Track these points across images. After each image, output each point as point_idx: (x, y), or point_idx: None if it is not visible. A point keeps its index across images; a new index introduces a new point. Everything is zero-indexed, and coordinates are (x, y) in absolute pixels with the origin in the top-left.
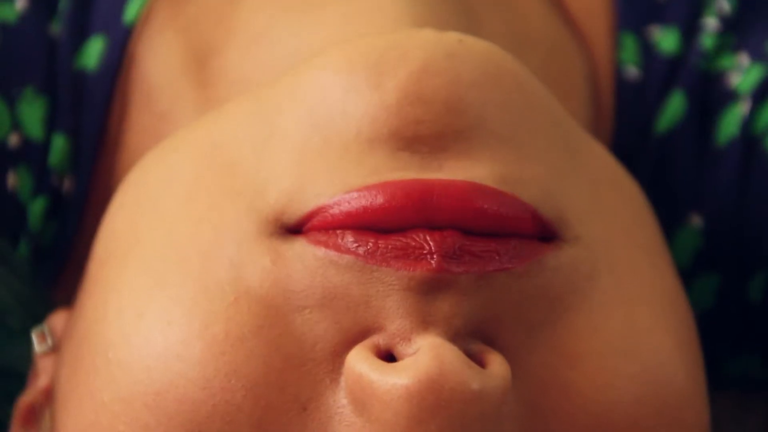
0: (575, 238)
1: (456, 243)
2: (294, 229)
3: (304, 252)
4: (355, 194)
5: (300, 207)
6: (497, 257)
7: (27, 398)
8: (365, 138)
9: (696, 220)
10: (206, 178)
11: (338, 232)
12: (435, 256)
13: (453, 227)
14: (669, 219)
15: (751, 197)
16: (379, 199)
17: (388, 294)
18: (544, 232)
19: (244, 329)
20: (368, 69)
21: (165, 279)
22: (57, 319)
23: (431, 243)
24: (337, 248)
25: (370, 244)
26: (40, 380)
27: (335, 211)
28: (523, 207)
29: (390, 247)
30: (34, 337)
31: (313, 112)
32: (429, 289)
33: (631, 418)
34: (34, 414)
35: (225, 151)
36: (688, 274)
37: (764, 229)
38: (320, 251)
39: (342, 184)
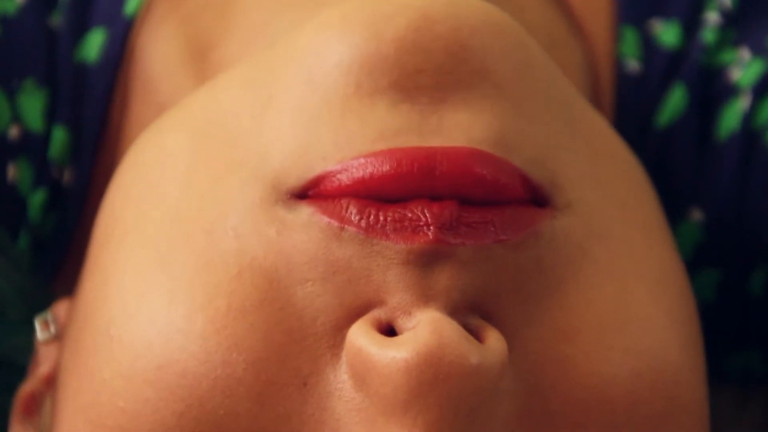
0: (567, 204)
1: (453, 214)
2: (300, 193)
3: (309, 222)
4: (362, 160)
5: (306, 171)
6: (493, 228)
7: (28, 387)
8: (366, 92)
9: (696, 215)
10: (206, 152)
11: (343, 202)
12: (432, 228)
13: (452, 196)
14: (669, 213)
15: (751, 192)
16: (386, 167)
17: (389, 267)
18: (536, 197)
19: (246, 302)
20: (366, 21)
21: (169, 256)
22: (60, 308)
23: (428, 215)
24: (341, 220)
25: (372, 216)
26: (42, 368)
27: (343, 177)
28: (515, 172)
29: (389, 219)
30: (38, 325)
31: (310, 71)
32: (427, 261)
33: (628, 392)
34: (34, 402)
35: (223, 122)
36: (689, 268)
37: (765, 224)
38: (324, 222)
39: (348, 147)
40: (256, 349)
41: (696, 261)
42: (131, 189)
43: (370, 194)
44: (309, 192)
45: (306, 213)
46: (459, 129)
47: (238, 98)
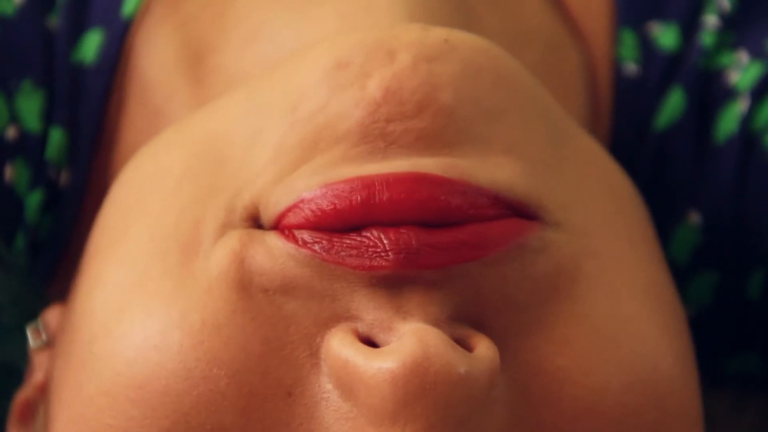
0: (556, 223)
1: (412, 238)
2: (266, 228)
3: (269, 239)
4: (302, 196)
5: (265, 212)
6: (462, 248)
7: (23, 394)
8: (336, 134)
9: (694, 217)
10: (195, 173)
11: (296, 233)
12: (390, 254)
13: (411, 222)
14: (667, 216)
15: (749, 194)
16: (324, 204)
17: (354, 290)
18: (519, 212)
19: (218, 316)
20: (354, 70)
21: (147, 273)
22: (51, 315)
23: (385, 241)
24: (295, 242)
25: (325, 241)
26: (36, 376)
27: (291, 220)
28: (479, 190)
29: (345, 245)
30: (29, 333)
31: (296, 109)
32: (393, 284)
33: (619, 404)
34: (30, 410)
35: (218, 147)
36: (687, 271)
37: (763, 227)
38: (281, 242)
39: (291, 189)
40: (235, 361)
41: (694, 264)
42: (122, 203)
43: (326, 227)
44: (274, 227)
45: (268, 236)
46: (407, 161)
47: (234, 125)
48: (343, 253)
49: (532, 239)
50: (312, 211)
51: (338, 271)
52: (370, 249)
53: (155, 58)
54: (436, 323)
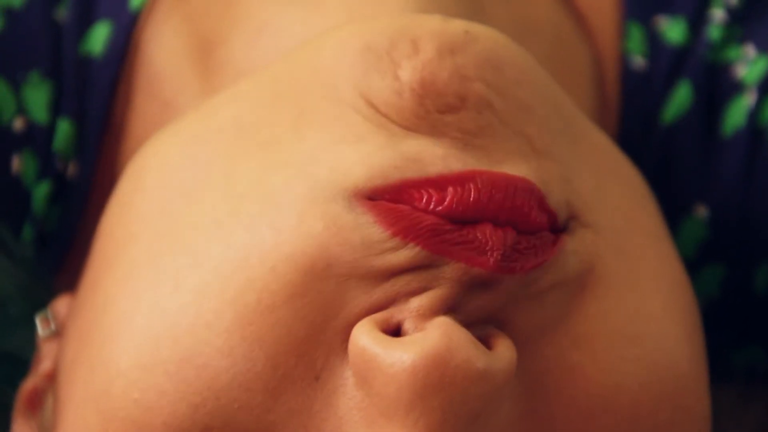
0: (586, 225)
1: (511, 241)
2: (368, 194)
3: (366, 225)
4: (444, 174)
5: (375, 175)
6: (534, 255)
7: (30, 383)
8: (404, 119)
9: (701, 211)
10: (241, 160)
11: (414, 216)
12: (494, 253)
13: (509, 223)
14: (674, 209)
15: (756, 188)
16: (468, 191)
17: (438, 285)
18: (558, 225)
19: (276, 298)
20: (385, 55)
21: (206, 253)
22: (60, 304)
23: (494, 239)
24: (406, 234)
25: (446, 233)
26: (43, 365)
27: (422, 193)
28: (544, 201)
29: (455, 240)
30: (38, 322)
31: (336, 92)
32: (477, 285)
33: (634, 402)
34: (37, 398)
35: (256, 131)
36: (694, 264)
37: None
38: (382, 233)
39: (420, 163)
40: (278, 343)
41: (701, 257)
42: (159, 193)
43: (445, 213)
44: (383, 195)
45: (365, 217)
46: (511, 163)
47: (269, 110)
48: (455, 246)
49: (567, 243)
50: (450, 195)
51: (437, 262)
52: (480, 244)
53: (163, 50)
54: (467, 321)
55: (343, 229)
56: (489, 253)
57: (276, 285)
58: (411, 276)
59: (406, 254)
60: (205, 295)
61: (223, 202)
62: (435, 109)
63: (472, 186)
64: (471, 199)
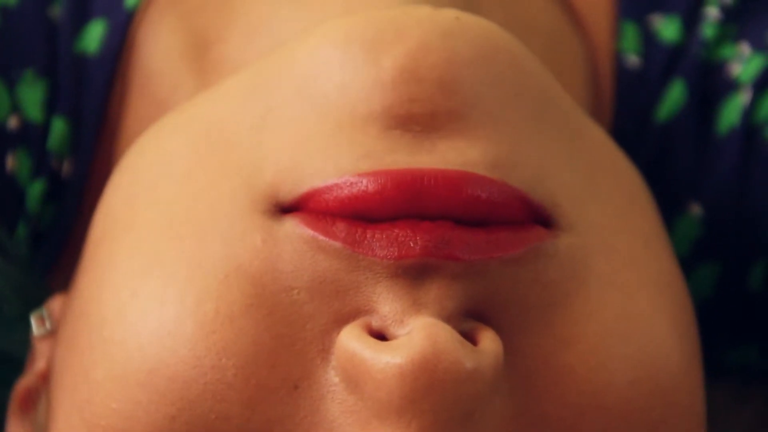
0: (570, 225)
1: (445, 235)
2: (288, 207)
3: (293, 233)
4: (349, 179)
5: (294, 187)
6: (487, 245)
7: (24, 382)
8: (359, 115)
9: (696, 209)
10: (204, 158)
11: (329, 218)
12: (419, 242)
13: (443, 217)
14: (669, 208)
15: (751, 186)
16: (371, 189)
17: (378, 281)
18: (536, 216)
19: (233, 308)
20: (365, 45)
21: (160, 258)
22: (55, 303)
23: (418, 237)
24: (327, 233)
25: (358, 233)
26: (38, 364)
27: (328, 196)
28: (513, 193)
29: (377, 237)
30: (33, 321)
31: (308, 87)
32: (416, 274)
33: (624, 400)
34: (31, 398)
35: (223, 129)
36: (688, 263)
37: (764, 219)
38: (309, 233)
39: (334, 166)
40: (245, 353)
41: (695, 255)
42: (129, 189)
43: (356, 214)
44: (298, 207)
45: (290, 224)
46: (454, 151)
47: (239, 107)
48: (374, 245)
49: (547, 245)
50: (354, 194)
51: (365, 261)
52: (400, 240)
53: (158, 48)
54: (448, 318)
55: (279, 240)
56: (412, 243)
57: (231, 295)
58: (352, 278)
59: (336, 258)
60: (164, 303)
61: (178, 204)
62: (408, 97)
63: (373, 183)
64: (375, 195)
